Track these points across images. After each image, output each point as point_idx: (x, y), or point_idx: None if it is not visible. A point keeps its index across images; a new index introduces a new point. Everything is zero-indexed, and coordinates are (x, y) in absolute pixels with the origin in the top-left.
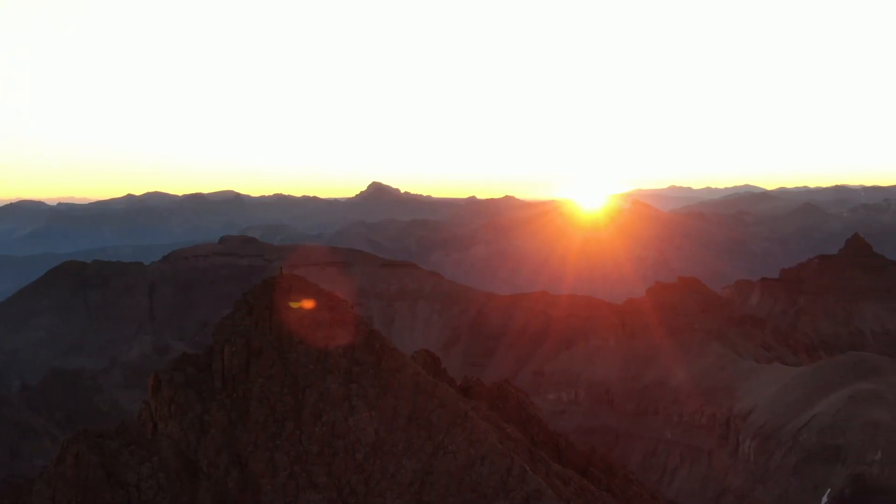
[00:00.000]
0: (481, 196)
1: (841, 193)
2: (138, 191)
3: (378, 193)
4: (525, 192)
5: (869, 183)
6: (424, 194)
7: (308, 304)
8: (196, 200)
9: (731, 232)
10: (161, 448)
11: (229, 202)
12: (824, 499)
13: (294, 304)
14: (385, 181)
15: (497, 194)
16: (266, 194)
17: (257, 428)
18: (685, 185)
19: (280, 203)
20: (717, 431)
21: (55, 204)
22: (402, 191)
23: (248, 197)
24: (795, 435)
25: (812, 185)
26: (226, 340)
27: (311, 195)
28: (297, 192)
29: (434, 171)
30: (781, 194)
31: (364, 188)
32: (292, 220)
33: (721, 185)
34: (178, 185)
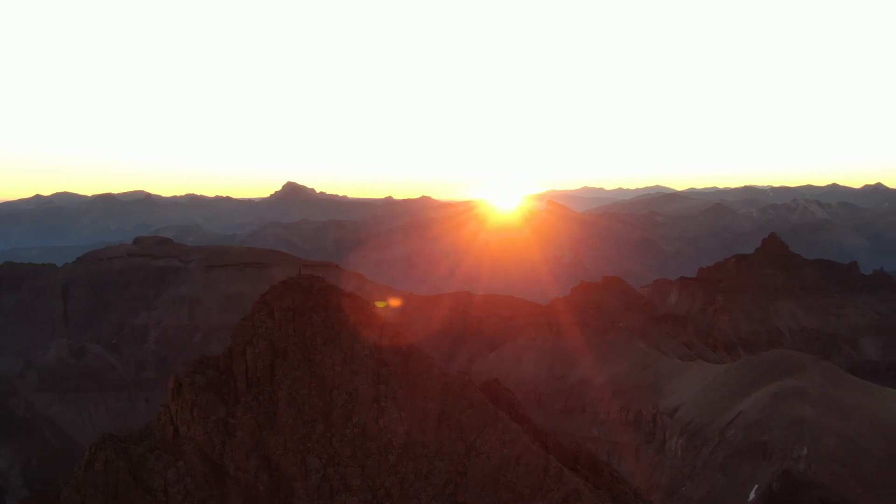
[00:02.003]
0: (398, 196)
1: (749, 194)
2: (47, 191)
3: (293, 193)
4: (441, 192)
5: (777, 183)
6: (340, 194)
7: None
8: (106, 201)
9: (644, 232)
10: (185, 452)
11: (140, 202)
12: (752, 494)
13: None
14: (300, 181)
15: (414, 195)
16: (178, 194)
17: (286, 430)
18: (598, 185)
19: (192, 203)
20: (643, 429)
21: None
22: (318, 191)
23: (160, 197)
24: (722, 432)
25: (721, 185)
26: (247, 342)
27: (225, 195)
28: (210, 192)
29: (350, 172)
30: (691, 194)
31: (279, 188)
32: (205, 220)
33: (632, 186)
34: (88, 185)
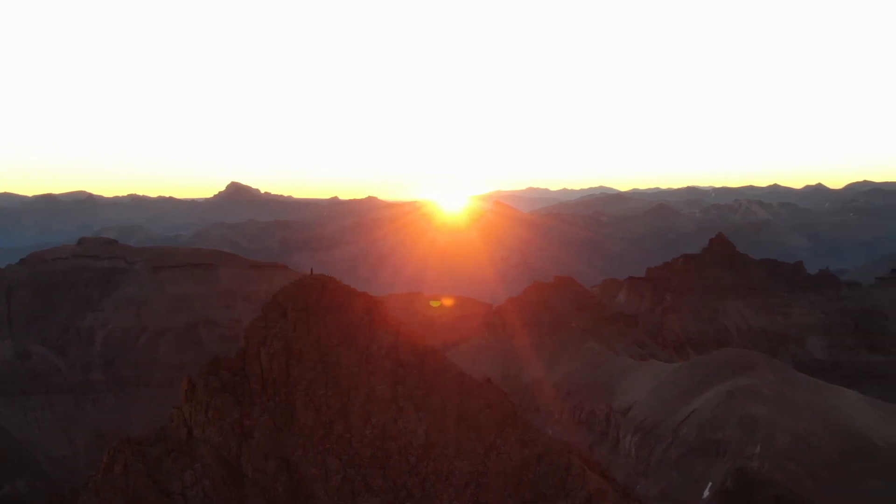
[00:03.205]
0: (344, 197)
1: (692, 194)
2: None
3: (237, 194)
4: (387, 193)
5: (718, 184)
6: (285, 195)
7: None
8: (48, 201)
9: (589, 232)
10: (201, 455)
11: (82, 203)
12: (706, 492)
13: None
14: (244, 181)
15: (360, 195)
16: (120, 195)
17: (305, 432)
18: (543, 186)
19: (135, 204)
20: (596, 428)
21: None
22: (263, 191)
23: (101, 197)
24: (675, 430)
25: (664, 186)
26: (260, 343)
27: (167, 195)
28: (152, 192)
29: (295, 172)
30: (635, 195)
31: (222, 188)
32: (148, 221)
33: (577, 187)
34: (28, 185)
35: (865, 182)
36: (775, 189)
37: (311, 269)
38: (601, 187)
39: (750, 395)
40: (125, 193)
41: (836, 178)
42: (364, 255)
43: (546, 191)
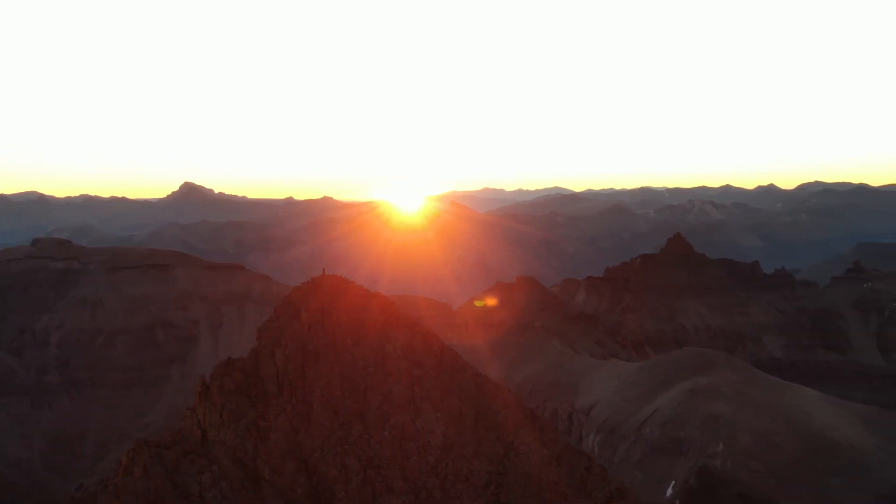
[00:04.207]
0: (299, 197)
1: (646, 195)
2: None
3: (190, 194)
4: (343, 193)
5: (672, 184)
6: (239, 195)
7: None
8: None
9: (545, 232)
10: (217, 456)
11: (33, 203)
12: (669, 490)
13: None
14: (197, 181)
15: (315, 195)
16: (72, 195)
17: (323, 432)
18: (498, 187)
19: (87, 204)
20: (559, 427)
21: None
22: (216, 191)
23: (53, 198)
24: (638, 429)
25: (618, 186)
26: (274, 344)
27: (120, 196)
28: (105, 192)
29: (249, 172)
30: (589, 196)
31: (175, 189)
32: (101, 221)
33: (532, 188)
34: None
35: (817, 183)
36: (728, 189)
37: (324, 270)
38: (556, 188)
39: (712, 393)
40: (77, 194)
41: (788, 179)
42: (320, 255)
43: (502, 191)
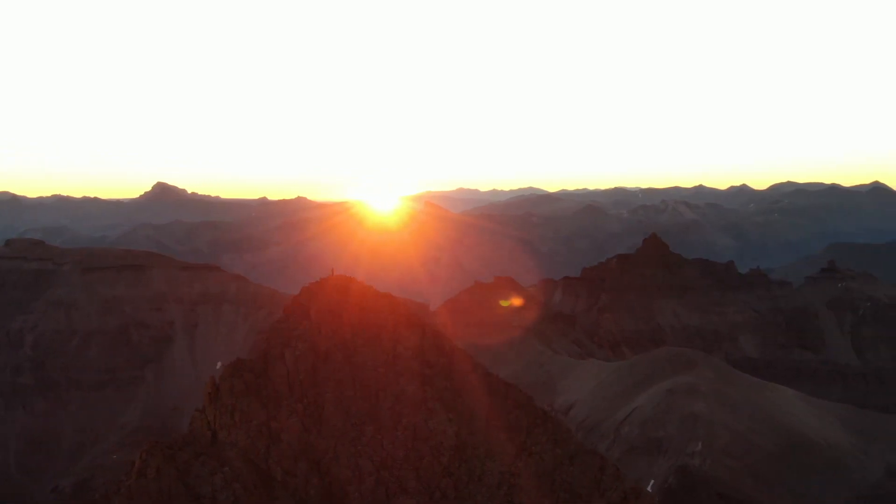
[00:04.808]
0: (273, 197)
1: (619, 195)
2: None
3: (163, 194)
4: (317, 193)
5: (645, 185)
6: (213, 195)
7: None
8: None
9: (520, 232)
10: (230, 458)
11: (5, 203)
12: (648, 489)
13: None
14: (170, 181)
15: (289, 195)
16: (44, 195)
17: (336, 433)
18: (473, 187)
19: (59, 204)
20: None
21: None
22: (190, 191)
23: (25, 198)
24: (617, 428)
25: (591, 187)
26: (284, 345)
27: (92, 196)
28: (77, 192)
29: (222, 172)
30: (563, 196)
31: (148, 189)
32: (73, 222)
33: (506, 188)
34: None
35: (789, 183)
36: (701, 190)
37: (332, 270)
38: (531, 188)
39: (690, 393)
40: (49, 194)
41: (761, 180)
42: (294, 255)
43: (476, 191)
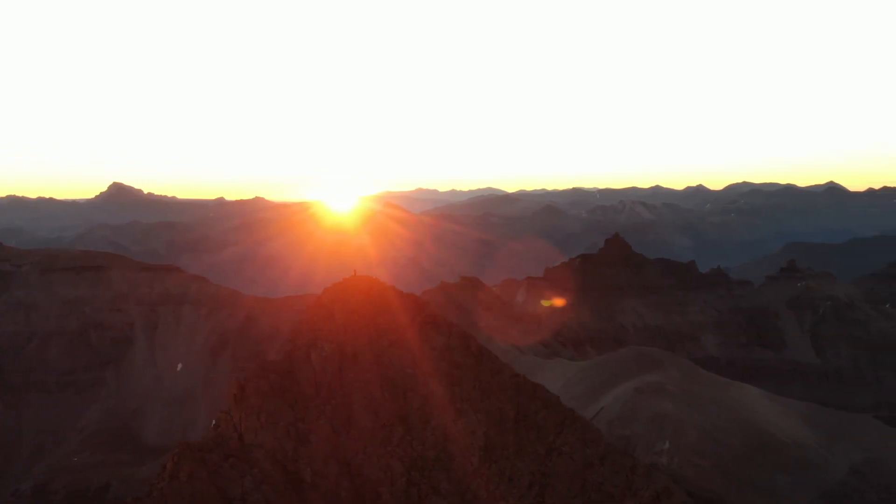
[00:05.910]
0: (230, 197)
1: (577, 195)
2: None
3: (119, 194)
4: (275, 193)
5: (602, 185)
6: (169, 195)
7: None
8: None
9: (480, 233)
10: (258, 459)
11: None
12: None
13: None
14: (126, 181)
15: (247, 195)
16: None
17: (365, 435)
18: (431, 187)
19: (13, 205)
20: None
21: None
22: (146, 192)
23: None
24: None
25: (550, 187)
26: (310, 345)
27: (47, 196)
28: (31, 193)
29: (179, 172)
30: (522, 196)
31: (104, 189)
32: (28, 222)
33: (465, 188)
34: None
35: (745, 183)
36: (658, 190)
37: (355, 270)
38: (489, 188)
39: (657, 391)
40: (3, 195)
41: (717, 180)
42: (252, 256)
43: (435, 192)
